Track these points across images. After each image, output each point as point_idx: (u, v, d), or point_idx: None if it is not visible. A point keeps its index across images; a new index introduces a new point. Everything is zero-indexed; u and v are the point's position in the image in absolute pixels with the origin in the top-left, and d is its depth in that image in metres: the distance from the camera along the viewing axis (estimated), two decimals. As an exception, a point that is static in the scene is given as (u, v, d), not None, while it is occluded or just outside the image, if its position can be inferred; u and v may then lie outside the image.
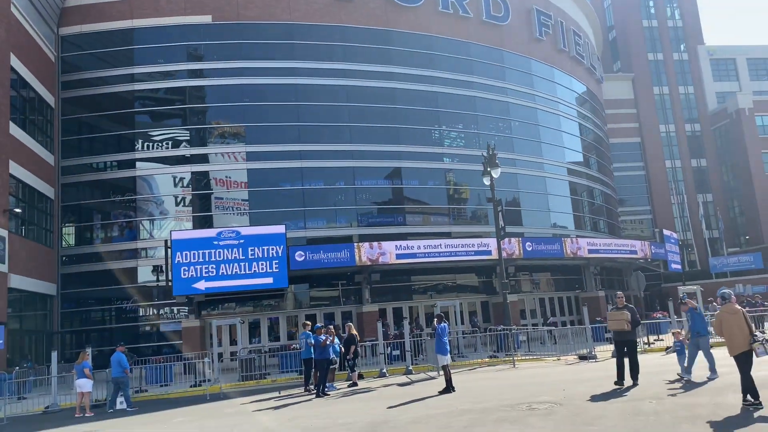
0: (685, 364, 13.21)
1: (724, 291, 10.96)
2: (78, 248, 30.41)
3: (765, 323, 23.72)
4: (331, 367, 16.54)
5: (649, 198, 56.92)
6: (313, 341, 16.10)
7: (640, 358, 13.56)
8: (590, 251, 33.39)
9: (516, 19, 38.85)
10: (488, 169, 24.62)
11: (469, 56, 36.52)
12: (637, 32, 59.92)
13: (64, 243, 30.42)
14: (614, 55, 63.37)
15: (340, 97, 32.77)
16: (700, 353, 13.24)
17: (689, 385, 11.99)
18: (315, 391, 15.55)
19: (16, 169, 25.52)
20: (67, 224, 30.79)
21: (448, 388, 14.08)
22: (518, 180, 37.00)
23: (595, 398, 11.21)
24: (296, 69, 32.03)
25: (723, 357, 11.63)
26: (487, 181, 25.12)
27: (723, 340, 9.84)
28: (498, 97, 37.34)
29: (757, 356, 9.45)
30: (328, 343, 15.93)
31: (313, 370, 16.17)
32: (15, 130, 25.79)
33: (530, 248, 31.00)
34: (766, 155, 55.14)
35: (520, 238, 31.26)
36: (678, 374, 13.29)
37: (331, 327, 17.53)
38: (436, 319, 15.37)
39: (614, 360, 13.48)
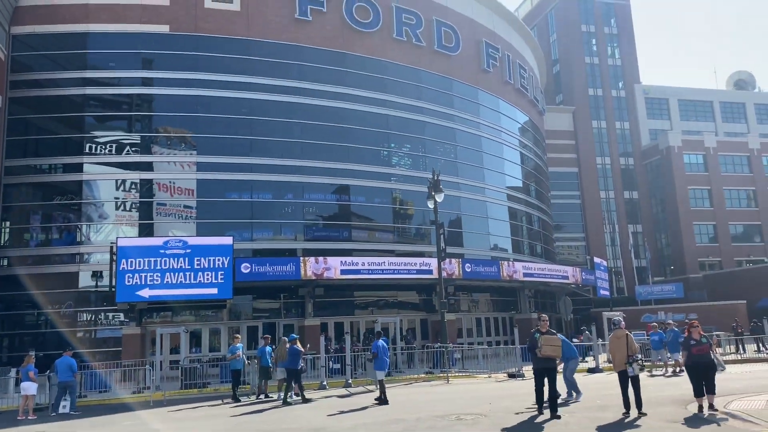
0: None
1: (614, 318, 12.48)
2: (17, 249, 29.91)
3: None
4: (280, 378, 17.44)
5: (583, 225, 59.79)
6: (263, 351, 16.90)
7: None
8: (525, 275, 35.11)
9: (466, 50, 40.67)
10: (433, 193, 25.88)
11: (420, 82, 38.00)
12: (580, 68, 63.16)
13: (4, 244, 29.87)
14: (557, 87, 66.51)
15: (293, 114, 33.54)
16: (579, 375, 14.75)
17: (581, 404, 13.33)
18: (283, 399, 16.41)
19: (-41, 167, 25.13)
20: (6, 225, 30.26)
21: (384, 401, 15.00)
22: (461, 203, 38.56)
23: (516, 412, 12.36)
24: (251, 84, 32.66)
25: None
26: (431, 205, 26.38)
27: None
28: (445, 123, 38.92)
29: (629, 374, 11.41)
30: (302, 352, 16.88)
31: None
32: (-40, 128, 25.42)
33: (469, 269, 32.41)
34: (692, 191, 58.90)
35: (460, 260, 32.64)
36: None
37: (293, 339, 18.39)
38: (376, 336, 16.48)
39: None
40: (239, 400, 17.31)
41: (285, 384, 16.67)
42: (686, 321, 34.96)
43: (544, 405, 11.71)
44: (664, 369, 21.35)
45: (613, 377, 14.51)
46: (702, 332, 11.60)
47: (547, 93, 61.56)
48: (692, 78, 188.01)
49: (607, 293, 45.88)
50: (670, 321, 20.50)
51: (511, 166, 44.61)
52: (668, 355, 21.24)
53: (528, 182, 46.87)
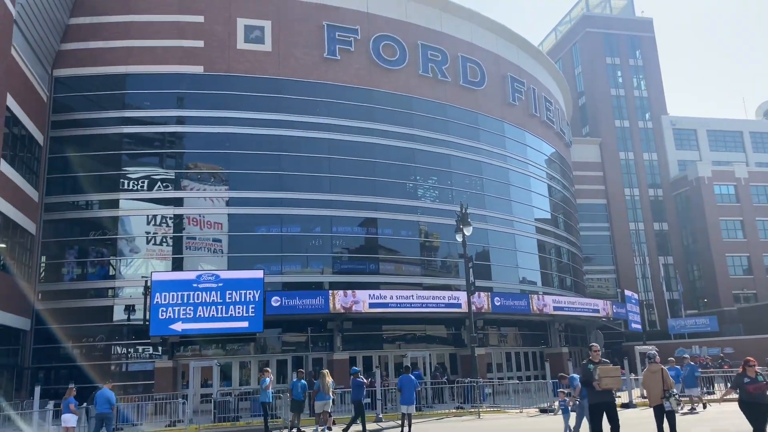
0: (571, 423, 14.29)
1: (650, 352, 12.34)
2: (54, 284, 30.70)
3: (714, 384, 25.11)
4: (319, 411, 17.62)
5: (613, 258, 59.06)
6: (295, 385, 17.07)
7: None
8: (555, 308, 34.77)
9: (491, 85, 41.16)
10: (461, 226, 26.02)
11: (446, 117, 38.50)
12: (605, 100, 63.21)
13: (41, 278, 30.71)
14: (583, 119, 66.56)
15: (322, 149, 34.18)
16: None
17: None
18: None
19: (2, 204, 26.09)
20: (45, 260, 31.14)
21: None
22: (489, 236, 38.56)
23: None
24: (281, 121, 33.46)
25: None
26: (459, 238, 26.49)
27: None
28: (472, 156, 39.22)
29: (665, 409, 11.20)
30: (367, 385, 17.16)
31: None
32: (4, 167, 26.47)
33: (498, 303, 32.25)
34: (724, 222, 57.96)
35: (489, 293, 32.51)
36: None
37: (325, 371, 18.84)
38: (404, 370, 16.71)
39: (573, 413, 14.47)
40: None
41: (351, 416, 16.76)
42: (721, 355, 34.17)
43: None
44: (681, 405, 20.70)
45: (648, 412, 14.30)
46: (758, 370, 10.86)
47: (573, 125, 61.67)
48: (721, 108, 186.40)
49: (638, 327, 45.06)
50: (686, 356, 20.00)
51: (539, 198, 44.58)
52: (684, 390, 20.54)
53: (556, 214, 46.71)
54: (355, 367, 18.41)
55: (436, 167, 37.58)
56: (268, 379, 18.35)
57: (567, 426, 14.18)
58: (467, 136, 39.27)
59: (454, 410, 22.85)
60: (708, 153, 64.76)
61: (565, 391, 14.92)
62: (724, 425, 12.95)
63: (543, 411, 21.30)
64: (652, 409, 11.66)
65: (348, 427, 16.28)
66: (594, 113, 63.70)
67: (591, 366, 10.71)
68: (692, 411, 19.28)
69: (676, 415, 11.42)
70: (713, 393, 24.47)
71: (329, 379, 17.68)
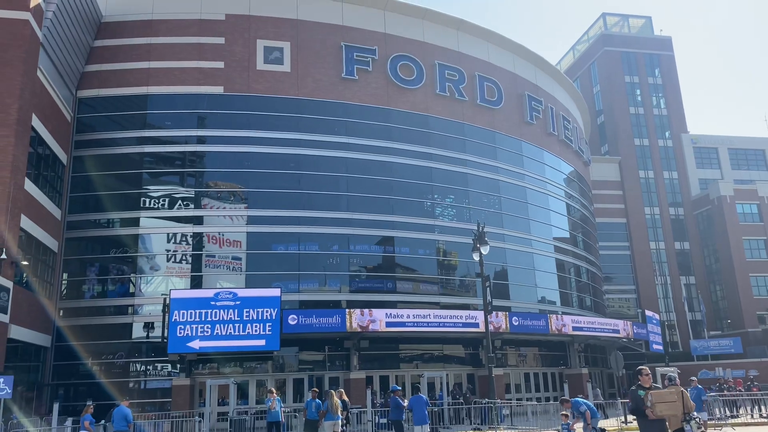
0: None
1: (670, 374, 12.10)
2: (75, 301, 31.08)
3: (738, 408, 24.57)
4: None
5: (634, 277, 58.32)
6: (309, 404, 17.11)
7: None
8: (574, 329, 34.36)
9: (508, 104, 41.21)
10: (478, 245, 25.92)
11: (463, 135, 38.57)
12: (624, 118, 62.90)
13: (62, 295, 31.12)
14: (602, 138, 66.23)
15: (340, 168, 34.41)
16: None
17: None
18: None
19: (26, 222, 26.57)
20: (67, 277, 31.58)
21: None
22: (506, 254, 38.34)
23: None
24: (300, 140, 33.79)
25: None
26: (476, 257, 26.38)
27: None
28: (489, 175, 39.18)
29: None
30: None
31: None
32: (29, 186, 27.01)
33: (517, 323, 31.96)
34: (747, 242, 57.05)
35: (507, 313, 32.25)
36: None
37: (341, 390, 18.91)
38: (413, 391, 16.86)
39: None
40: None
41: None
42: (751, 377, 33.36)
43: None
44: (702, 430, 19.98)
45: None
46: None
47: (592, 143, 61.39)
48: (742, 126, 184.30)
49: (660, 348, 44.30)
50: (693, 378, 19.43)
51: (558, 217, 44.29)
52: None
53: (575, 233, 46.34)
54: (395, 385, 18.53)
55: (454, 186, 37.57)
56: (271, 400, 18.33)
57: None
58: (484, 154, 39.27)
59: (471, 431, 22.58)
60: (730, 171, 64.00)
61: (567, 413, 14.53)
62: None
63: (561, 434, 20.95)
64: None
65: None
66: (613, 132, 63.38)
67: (641, 392, 9.46)
68: None
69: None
70: (737, 416, 23.95)
71: (336, 399, 17.71)
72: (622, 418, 24.16)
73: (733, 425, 22.36)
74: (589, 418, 13.88)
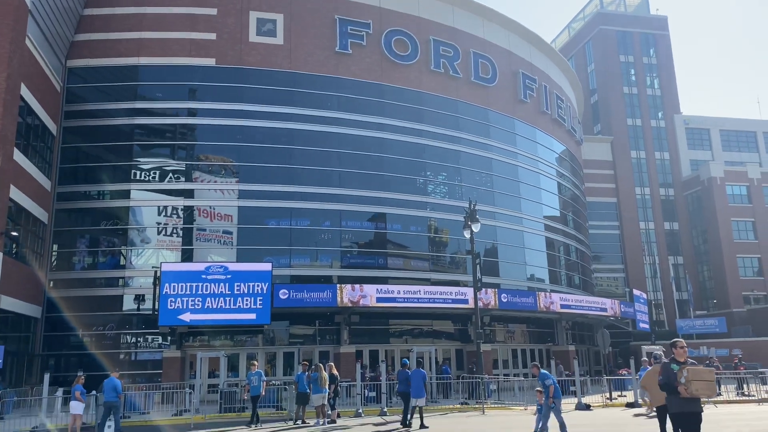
0: (539, 425, 14.09)
1: (656, 352, 12.31)
2: (65, 273, 31.05)
3: (720, 386, 25.03)
4: (317, 405, 17.88)
5: (622, 257, 58.81)
6: (300, 377, 17.31)
7: (603, 412, 14.61)
8: (562, 306, 34.74)
9: (502, 81, 41.05)
10: (469, 222, 26.04)
11: (457, 113, 38.45)
12: (618, 98, 62.82)
13: (52, 267, 31.06)
14: (595, 117, 66.19)
15: (332, 143, 34.28)
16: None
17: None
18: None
19: (15, 193, 26.40)
20: (57, 249, 31.49)
21: (422, 427, 15.90)
22: (497, 232, 38.54)
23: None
24: (292, 114, 33.56)
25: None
26: (467, 234, 26.51)
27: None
28: (481, 153, 39.17)
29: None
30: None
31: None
32: (18, 156, 26.77)
33: (506, 300, 32.26)
34: (735, 223, 57.54)
35: (496, 290, 32.53)
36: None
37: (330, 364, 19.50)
38: (416, 365, 17.21)
39: (577, 412, 14.42)
40: (253, 425, 17.50)
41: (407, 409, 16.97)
42: (737, 357, 34.01)
43: None
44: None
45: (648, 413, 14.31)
46: None
47: (584, 123, 61.37)
48: (735, 108, 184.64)
49: (646, 326, 44.90)
50: (660, 353, 19.44)
51: (549, 195, 44.47)
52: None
53: (565, 212, 46.58)
54: (405, 359, 18.88)
55: (446, 163, 37.56)
56: (253, 374, 18.44)
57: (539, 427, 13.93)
58: (477, 132, 39.22)
59: (458, 405, 22.94)
60: (721, 153, 64.26)
61: (541, 389, 14.52)
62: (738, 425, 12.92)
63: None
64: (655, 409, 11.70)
65: (404, 420, 16.68)
66: (606, 111, 63.33)
67: (675, 366, 8.63)
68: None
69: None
70: (720, 394, 24.45)
71: (325, 373, 18.10)
72: (607, 395, 24.58)
73: (715, 403, 22.83)
74: (552, 391, 14.03)
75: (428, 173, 37.17)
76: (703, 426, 8.28)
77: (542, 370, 14.76)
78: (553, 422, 13.94)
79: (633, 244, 58.61)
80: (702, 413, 8.41)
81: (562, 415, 14.08)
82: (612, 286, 57.50)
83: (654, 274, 58.22)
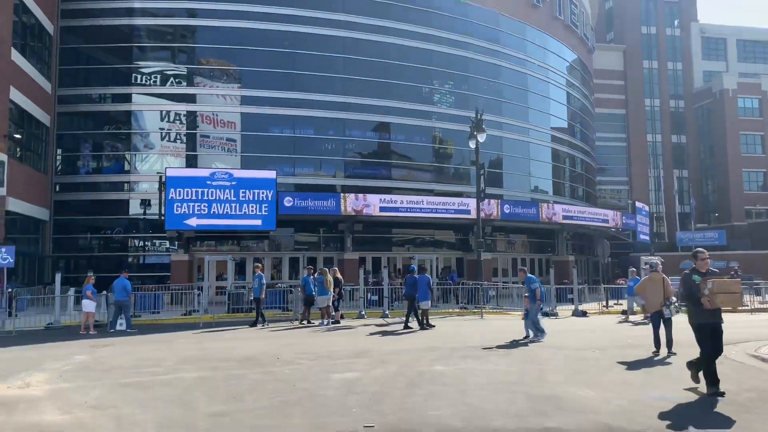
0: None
1: (652, 260, 12.54)
2: (70, 176, 31.24)
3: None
4: (322, 306, 18.55)
5: (627, 169, 58.67)
6: (306, 281, 17.86)
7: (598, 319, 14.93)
8: (564, 217, 35.01)
9: (515, -16, 39.32)
10: (475, 132, 25.77)
11: (466, 17, 37.12)
12: (633, 4, 60.41)
13: (57, 170, 31.19)
14: (608, 24, 63.90)
15: (336, 48, 33.36)
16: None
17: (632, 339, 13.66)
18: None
19: (15, 94, 26.07)
20: (60, 152, 31.50)
21: (427, 326, 16.88)
22: (503, 143, 38.22)
23: (548, 346, 12.80)
24: (295, 16, 32.46)
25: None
26: (473, 145, 26.32)
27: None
28: (490, 60, 38.15)
29: (664, 316, 11.74)
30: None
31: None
32: (16, 56, 26.21)
33: (508, 210, 32.50)
34: (744, 137, 56.91)
35: (499, 201, 32.70)
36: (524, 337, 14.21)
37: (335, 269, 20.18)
38: (420, 271, 17.66)
39: (574, 318, 14.78)
40: (259, 324, 18.20)
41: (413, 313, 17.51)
42: (735, 268, 34.58)
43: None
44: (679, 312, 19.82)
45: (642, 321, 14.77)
46: None
47: (597, 30, 59.26)
48: (754, 16, 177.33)
49: (647, 238, 45.45)
50: (646, 266, 19.49)
51: (557, 106, 43.71)
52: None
53: (573, 123, 45.97)
54: (413, 266, 19.57)
55: (453, 71, 36.68)
56: (260, 275, 18.93)
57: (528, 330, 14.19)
58: (487, 37, 38.01)
59: (458, 310, 23.66)
60: (735, 64, 62.56)
61: (528, 295, 14.68)
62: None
63: (545, 314, 21.93)
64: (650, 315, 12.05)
65: (423, 320, 17.34)
66: (620, 18, 61.09)
67: (697, 277, 8.18)
68: (645, 320, 18.99)
69: (672, 322, 11.80)
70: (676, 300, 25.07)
71: (330, 277, 18.69)
72: (604, 303, 25.25)
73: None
74: (539, 295, 14.41)
75: (435, 81, 36.39)
76: (681, 327, 8.47)
77: (528, 275, 15.05)
78: (552, 328, 14.36)
79: (639, 156, 58.29)
80: (721, 325, 8.12)
81: (543, 320, 14.52)
82: (615, 199, 57.74)
83: (658, 187, 58.30)
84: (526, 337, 14.12)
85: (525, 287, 14.97)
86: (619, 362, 10.58)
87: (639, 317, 19.65)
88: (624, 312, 21.04)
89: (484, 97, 37.06)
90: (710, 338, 8.02)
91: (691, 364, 8.49)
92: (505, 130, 38.26)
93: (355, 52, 33.60)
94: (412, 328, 16.84)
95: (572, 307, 23.18)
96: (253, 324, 18.21)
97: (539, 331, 14.11)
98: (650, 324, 12.41)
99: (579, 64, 47.84)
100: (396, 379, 8.95)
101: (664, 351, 11.56)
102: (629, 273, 21.76)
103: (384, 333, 15.99)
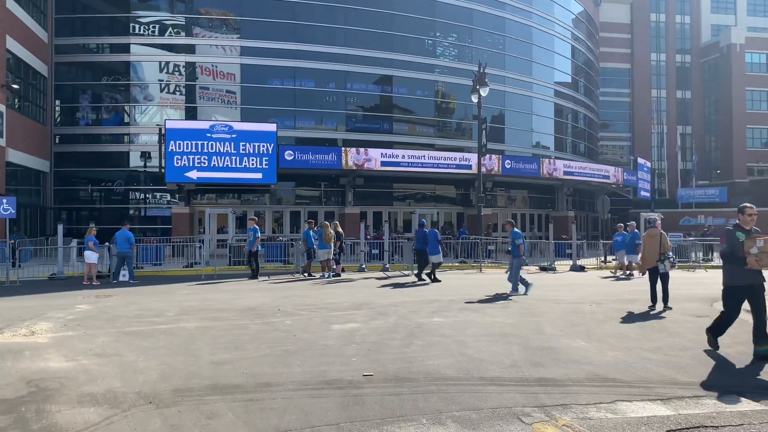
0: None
1: (650, 217, 12.56)
2: (70, 128, 31.05)
3: (713, 252, 25.85)
4: (323, 259, 18.69)
5: (630, 125, 58.15)
6: (307, 234, 17.90)
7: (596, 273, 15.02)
8: (565, 173, 34.94)
9: (522, -68, 38.19)
10: (477, 87, 25.46)
11: (471, -33, 36.21)
12: (643, -46, 58.75)
13: (56, 122, 30.98)
14: (617, -25, 62.22)
15: (338, -2, 32.68)
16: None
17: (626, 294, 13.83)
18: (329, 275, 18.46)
19: (12, 44, 25.68)
20: (59, 104, 31.23)
21: (436, 279, 17.22)
22: (506, 98, 37.83)
23: (545, 300, 12.96)
24: (296, -35, 31.67)
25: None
26: (475, 99, 26.04)
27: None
28: (495, 12, 37.40)
29: (659, 271, 11.76)
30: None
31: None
32: (11, 4, 25.71)
33: (509, 166, 32.41)
34: (750, 93, 56.20)
35: (500, 156, 32.56)
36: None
37: (336, 222, 20.33)
38: (429, 225, 18.08)
39: (571, 273, 14.89)
40: (255, 278, 18.37)
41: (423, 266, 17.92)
42: (726, 225, 34.70)
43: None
44: (622, 271, 19.87)
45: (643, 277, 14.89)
46: None
47: (605, -18, 57.84)
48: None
49: (647, 194, 45.44)
50: (632, 222, 19.52)
51: (561, 60, 43.05)
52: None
53: (577, 78, 45.35)
54: (422, 220, 19.63)
55: (457, 22, 35.99)
56: (255, 228, 18.98)
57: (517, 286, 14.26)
58: (491, -12, 37.18)
59: (457, 264, 23.87)
60: (745, 18, 61.23)
61: (509, 248, 14.68)
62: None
63: (543, 269, 22.17)
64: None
65: (431, 273, 17.59)
66: (629, -31, 59.42)
67: (741, 235, 7.35)
68: (627, 276, 19.09)
69: (669, 277, 11.91)
70: (711, 260, 25.33)
71: (331, 231, 18.81)
72: (602, 258, 25.43)
73: (705, 268, 23.70)
74: (522, 250, 14.44)
75: (438, 34, 35.75)
76: (679, 283, 8.46)
77: (514, 229, 14.96)
78: (550, 282, 14.48)
79: (642, 112, 57.67)
80: (763, 286, 7.34)
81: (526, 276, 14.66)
82: (617, 155, 57.42)
83: (660, 144, 57.87)
84: (525, 288, 14.26)
85: (510, 239, 14.94)
86: (615, 316, 10.74)
87: (621, 273, 19.71)
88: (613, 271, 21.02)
89: (488, 51, 36.50)
90: (742, 301, 7.40)
91: (709, 330, 7.90)
92: (508, 84, 37.80)
93: (358, 2, 32.91)
94: (425, 280, 17.12)
95: (570, 262, 23.37)
96: (253, 276, 18.41)
97: (519, 286, 14.25)
98: (631, 279, 12.48)
99: (585, 16, 46.90)
100: (395, 330, 9.10)
101: (660, 305, 11.71)
102: (617, 228, 21.44)
103: (384, 286, 16.18)
